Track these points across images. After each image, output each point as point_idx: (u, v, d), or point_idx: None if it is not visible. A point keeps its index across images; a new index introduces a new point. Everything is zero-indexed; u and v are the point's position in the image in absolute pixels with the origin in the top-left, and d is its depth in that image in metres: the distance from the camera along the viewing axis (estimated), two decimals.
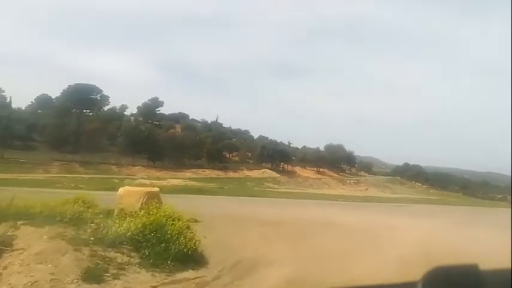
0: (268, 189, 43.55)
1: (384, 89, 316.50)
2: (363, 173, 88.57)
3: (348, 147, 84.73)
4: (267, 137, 78.62)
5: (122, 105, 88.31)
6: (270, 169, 66.23)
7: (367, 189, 57.19)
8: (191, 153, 63.37)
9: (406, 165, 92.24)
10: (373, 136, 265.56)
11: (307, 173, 71.86)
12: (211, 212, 15.74)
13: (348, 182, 61.99)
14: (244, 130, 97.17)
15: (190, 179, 48.54)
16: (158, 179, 44.99)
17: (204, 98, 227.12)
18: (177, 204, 20.47)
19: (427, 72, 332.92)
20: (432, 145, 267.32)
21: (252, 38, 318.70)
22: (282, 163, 70.88)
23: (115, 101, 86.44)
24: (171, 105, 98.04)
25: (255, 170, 63.34)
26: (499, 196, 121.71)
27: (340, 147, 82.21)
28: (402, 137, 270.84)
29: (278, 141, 73.27)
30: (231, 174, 59.65)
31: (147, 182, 42.15)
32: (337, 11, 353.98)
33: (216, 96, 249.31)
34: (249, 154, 73.48)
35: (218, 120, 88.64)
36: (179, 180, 44.85)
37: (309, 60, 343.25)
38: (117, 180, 41.35)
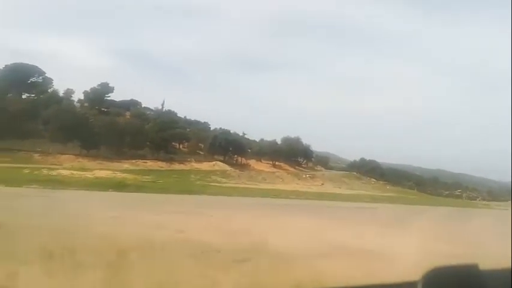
0: (212, 184, 36.84)
1: (348, 85, 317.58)
2: (319, 168, 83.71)
3: (306, 141, 79.42)
4: (223, 128, 71.30)
5: (68, 89, 79.06)
6: (222, 161, 59.47)
7: (323, 184, 51.92)
8: (134, 142, 55.47)
9: (363, 160, 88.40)
10: (332, 131, 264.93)
11: (263, 166, 65.75)
12: (70, 224, 8.88)
13: (304, 176, 56.48)
14: (204, 122, 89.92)
15: (124, 170, 40.90)
16: (83, 169, 37.06)
17: (166, 88, 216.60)
18: (54, 207, 13.64)
19: (392, 71, 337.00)
20: (387, 142, 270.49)
21: (220, 30, 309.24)
22: (236, 155, 64.32)
23: (68, 86, 76.87)
24: (128, 93, 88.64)
25: (205, 163, 56.37)
26: (446, 192, 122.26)
27: (297, 140, 76.69)
28: (360, 133, 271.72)
29: (232, 131, 66.44)
30: (176, 166, 52.37)
31: (66, 172, 34.35)
32: (313, 7, 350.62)
33: (177, 87, 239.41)
34: (202, 145, 66.47)
35: (165, 107, 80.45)
36: (108, 172, 37.19)
37: (277, 55, 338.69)
38: (27, 171, 33.17)
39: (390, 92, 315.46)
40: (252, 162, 67.47)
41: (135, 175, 37.62)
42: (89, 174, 33.84)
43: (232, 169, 53.22)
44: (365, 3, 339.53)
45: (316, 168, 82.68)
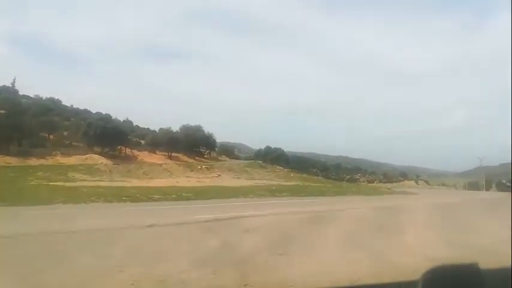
0: (57, 184, 25.39)
1: (254, 76, 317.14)
2: (224, 158, 75.13)
3: (209, 130, 70.09)
4: (101, 114, 57.99)
5: None
6: (101, 154, 47.37)
7: (219, 175, 43.09)
8: None
9: (268, 148, 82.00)
10: (241, 122, 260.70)
11: (155, 158, 54.82)
12: None
13: (199, 167, 47.02)
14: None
15: None
16: None
17: (61, 75, 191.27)
18: None
19: (295, 63, 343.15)
20: (292, 131, 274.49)
21: (122, 17, 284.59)
22: (121, 146, 52.48)
23: None
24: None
25: (76, 156, 43.78)
26: (347, 177, 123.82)
27: (198, 129, 66.89)
28: (267, 123, 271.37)
29: (114, 117, 54.15)
30: (32, 161, 39.20)
31: None
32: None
33: (76, 75, 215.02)
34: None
35: (15, 86, 64.73)
36: None
37: (182, 45, 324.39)
38: None
39: (293, 83, 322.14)
40: (144, 154, 56.15)
41: None
42: None
43: (108, 162, 41.66)
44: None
45: (220, 158, 73.94)
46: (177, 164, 47.52)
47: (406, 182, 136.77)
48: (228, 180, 38.35)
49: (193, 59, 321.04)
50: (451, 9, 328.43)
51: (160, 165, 44.49)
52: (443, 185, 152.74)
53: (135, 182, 30.15)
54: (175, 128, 64.93)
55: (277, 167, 72.35)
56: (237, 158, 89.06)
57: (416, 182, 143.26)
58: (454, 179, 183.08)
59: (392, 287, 1.68)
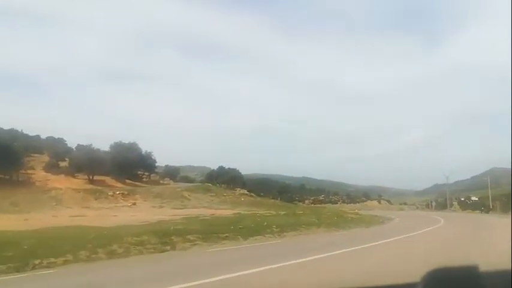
0: None
1: (212, 98, 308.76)
2: (167, 181, 62.36)
3: (159, 152, 57.62)
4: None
5: None
6: None
7: (134, 204, 30.66)
8: None
9: (221, 168, 69.85)
10: (206, 145, 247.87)
11: (69, 183, 41.27)
12: None
13: (111, 194, 34.21)
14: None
15: None
16: None
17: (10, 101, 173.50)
18: None
19: (254, 86, 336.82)
20: (258, 153, 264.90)
21: (77, 41, 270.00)
22: (19, 169, 38.77)
23: None
24: None
25: None
26: (311, 198, 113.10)
27: (132, 147, 54.05)
28: (231, 145, 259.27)
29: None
30: None
31: None
32: (173, 20, 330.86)
33: (23, 100, 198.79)
34: None
35: None
36: None
37: (137, 67, 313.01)
38: None
39: (257, 106, 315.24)
40: (58, 178, 42.42)
41: None
42: None
43: None
44: (226, 24, 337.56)
45: (163, 181, 61.05)
46: (77, 190, 34.26)
47: (368, 202, 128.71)
48: (139, 211, 25.87)
49: (152, 83, 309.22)
50: (403, 33, 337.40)
51: (47, 192, 31.18)
52: (404, 204, 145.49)
53: None
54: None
55: (236, 189, 60.46)
56: (192, 181, 76.71)
57: (379, 202, 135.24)
58: (413, 198, 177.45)
59: None
